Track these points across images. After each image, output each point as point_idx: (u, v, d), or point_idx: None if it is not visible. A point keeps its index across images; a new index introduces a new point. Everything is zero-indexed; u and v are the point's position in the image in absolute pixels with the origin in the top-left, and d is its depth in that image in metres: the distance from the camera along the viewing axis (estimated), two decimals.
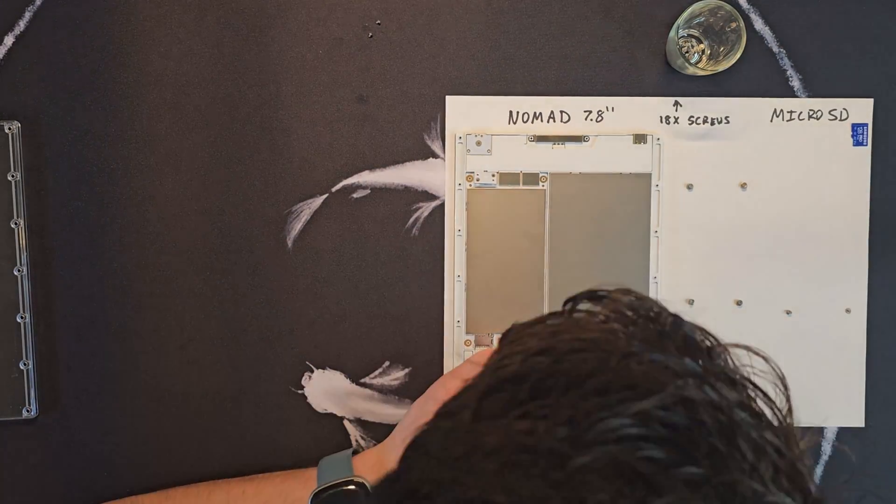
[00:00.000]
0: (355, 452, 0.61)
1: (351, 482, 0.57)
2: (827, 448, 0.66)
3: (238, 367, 0.66)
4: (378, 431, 0.66)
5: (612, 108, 0.65)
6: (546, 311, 0.64)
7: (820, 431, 0.66)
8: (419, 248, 0.65)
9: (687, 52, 0.64)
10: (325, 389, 0.66)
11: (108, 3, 0.65)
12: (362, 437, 0.66)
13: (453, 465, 0.32)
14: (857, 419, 0.66)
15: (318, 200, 0.65)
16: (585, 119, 0.65)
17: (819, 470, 0.65)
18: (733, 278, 0.65)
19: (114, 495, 0.65)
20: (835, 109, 0.65)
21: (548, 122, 0.65)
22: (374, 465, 0.58)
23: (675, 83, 0.65)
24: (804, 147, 0.65)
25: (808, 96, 0.65)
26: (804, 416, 0.64)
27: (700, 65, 0.64)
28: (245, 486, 0.59)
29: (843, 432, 0.66)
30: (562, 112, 0.65)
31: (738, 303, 0.65)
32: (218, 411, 0.66)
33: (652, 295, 0.65)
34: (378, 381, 0.66)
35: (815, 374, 0.66)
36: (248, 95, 0.65)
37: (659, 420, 0.29)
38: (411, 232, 0.65)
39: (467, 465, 0.31)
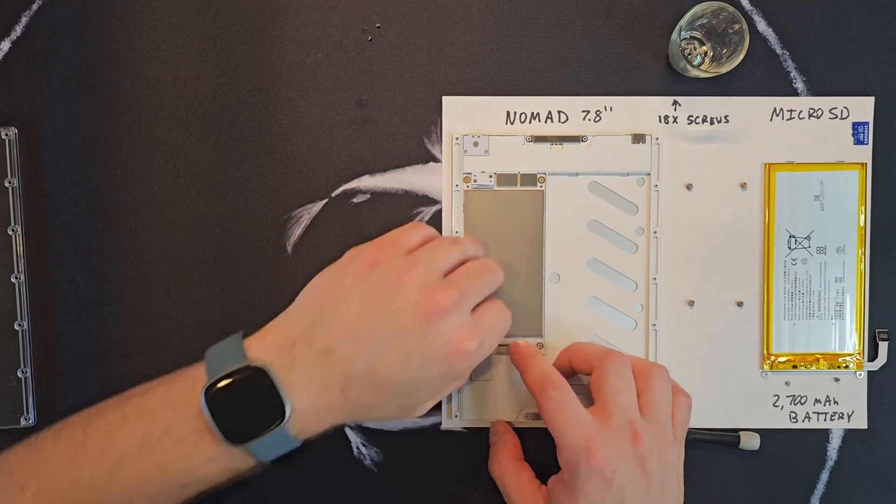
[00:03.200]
0: (246, 336, 0.54)
1: (247, 368, 0.49)
2: (833, 453, 0.66)
3: None
4: (378, 437, 0.65)
5: (611, 108, 0.65)
6: (545, 312, 0.64)
7: (825, 435, 0.66)
8: None
9: (689, 54, 0.64)
10: None
11: (106, 8, 0.64)
12: (363, 444, 0.65)
13: None
14: (860, 421, 0.66)
15: (318, 205, 0.65)
16: (583, 119, 0.65)
17: (825, 475, 0.65)
18: (734, 279, 0.65)
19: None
20: (835, 108, 0.65)
21: (546, 122, 0.65)
22: (272, 344, 0.52)
23: (676, 85, 0.64)
24: (805, 146, 0.65)
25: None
26: (810, 420, 0.64)
27: (703, 67, 0.63)
28: (124, 409, 0.50)
29: (848, 435, 0.66)
30: (560, 112, 0.65)
31: (740, 304, 0.65)
32: None
33: (651, 296, 0.65)
34: None
35: (816, 375, 0.65)
36: (247, 100, 0.65)
37: None
38: None
39: None
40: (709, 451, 0.65)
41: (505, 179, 0.65)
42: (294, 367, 0.50)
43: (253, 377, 0.49)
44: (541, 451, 0.64)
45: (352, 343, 0.51)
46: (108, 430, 0.49)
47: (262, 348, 0.51)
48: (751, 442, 0.64)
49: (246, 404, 0.49)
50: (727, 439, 0.65)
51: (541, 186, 0.65)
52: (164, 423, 0.49)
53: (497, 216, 0.65)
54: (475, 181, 0.65)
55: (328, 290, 0.54)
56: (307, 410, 0.50)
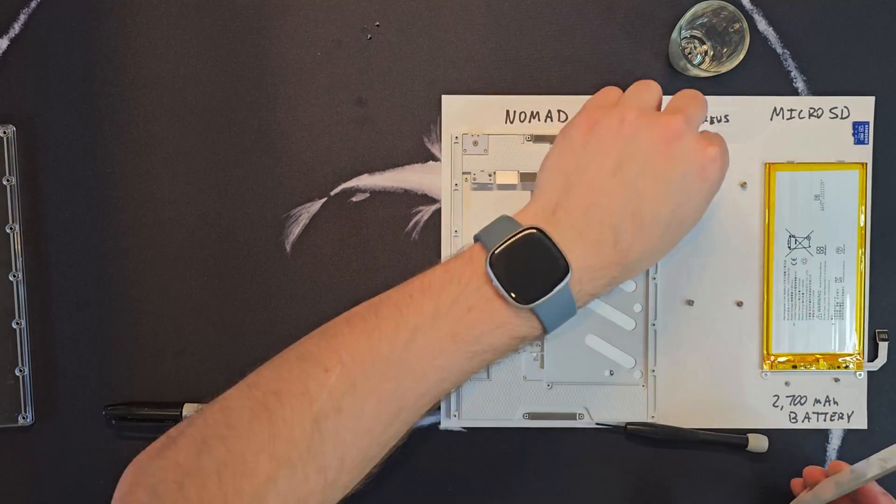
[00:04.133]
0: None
1: (522, 231, 0.50)
2: (833, 454, 0.65)
3: (236, 372, 0.64)
4: None
5: None
6: None
7: (825, 436, 0.66)
8: (419, 252, 0.65)
9: (690, 53, 0.64)
10: None
11: (105, 6, 0.64)
12: None
13: None
14: (860, 421, 0.65)
15: (317, 204, 0.65)
16: None
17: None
18: (734, 279, 0.65)
19: None
20: (835, 108, 0.65)
21: (545, 121, 0.65)
22: (537, 215, 0.52)
23: (676, 84, 0.64)
24: (805, 146, 0.65)
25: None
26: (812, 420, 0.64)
27: (703, 66, 0.63)
28: (408, 290, 0.51)
29: (848, 435, 0.66)
30: (559, 111, 0.65)
31: (739, 304, 0.65)
32: None
33: (651, 296, 0.65)
34: None
35: (816, 376, 0.65)
36: (246, 98, 0.64)
37: None
38: (411, 236, 0.65)
39: None
40: (713, 452, 0.65)
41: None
42: (562, 229, 0.51)
43: (531, 238, 0.50)
44: (538, 453, 0.64)
45: (607, 195, 0.51)
46: (397, 308, 0.50)
47: (528, 219, 0.52)
48: (759, 444, 0.64)
49: (527, 265, 0.50)
50: (735, 441, 0.64)
51: None
52: (451, 295, 0.50)
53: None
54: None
55: (562, 162, 0.53)
56: (584, 269, 0.50)
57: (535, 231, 0.50)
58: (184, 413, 0.64)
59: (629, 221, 0.51)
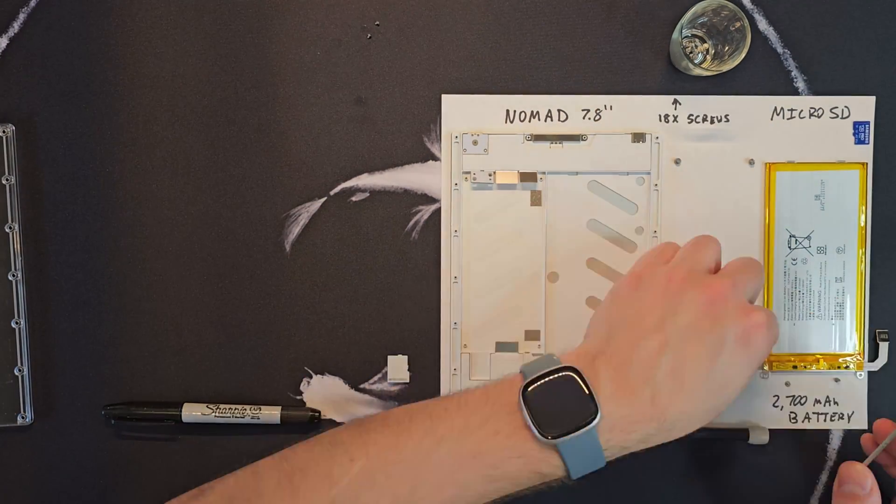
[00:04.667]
0: None
1: (561, 369, 0.51)
2: (833, 454, 0.65)
3: (236, 372, 0.65)
4: None
5: (611, 107, 0.65)
6: (544, 312, 0.64)
7: (825, 436, 0.66)
8: (419, 251, 0.65)
9: (691, 52, 0.64)
10: (324, 395, 0.65)
11: (104, 5, 0.64)
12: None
13: None
14: (860, 422, 0.65)
15: (317, 204, 0.65)
16: (583, 118, 0.65)
17: (825, 476, 0.65)
18: None
19: None
20: (836, 107, 0.65)
21: (545, 120, 0.65)
22: (577, 359, 0.53)
23: (677, 84, 0.64)
24: (805, 145, 0.64)
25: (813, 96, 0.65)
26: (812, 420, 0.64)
27: (704, 65, 0.63)
28: (445, 404, 0.53)
29: (848, 436, 0.65)
30: (559, 111, 0.65)
31: None
32: None
33: None
34: (377, 387, 0.65)
35: (816, 376, 0.65)
36: (246, 98, 0.64)
37: None
38: (411, 235, 0.65)
39: None
40: (714, 446, 0.65)
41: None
42: (599, 376, 0.51)
43: (566, 377, 0.51)
44: None
45: (647, 350, 0.51)
46: (430, 418, 0.52)
47: (569, 360, 0.53)
48: (760, 436, 0.64)
49: (559, 403, 0.51)
50: (736, 435, 0.64)
51: (540, 185, 0.65)
52: (482, 416, 0.51)
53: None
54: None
55: (609, 313, 0.55)
56: (616, 418, 0.51)
57: (571, 371, 0.51)
58: (183, 413, 0.64)
59: (668, 378, 0.51)
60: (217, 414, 0.64)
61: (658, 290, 0.53)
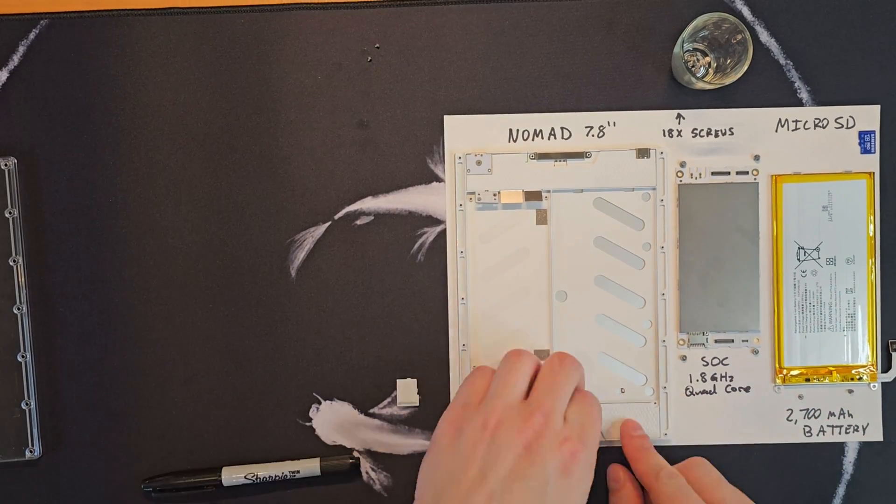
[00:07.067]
0: None
1: None
2: (849, 467, 0.65)
3: (244, 400, 0.65)
4: (388, 462, 0.65)
5: (614, 123, 0.64)
6: (551, 332, 0.63)
7: (840, 448, 0.65)
8: (425, 273, 0.64)
9: (693, 66, 0.63)
10: (334, 421, 0.65)
11: (103, 35, 0.64)
12: (372, 469, 0.65)
13: None
14: (875, 434, 0.65)
15: (321, 228, 0.65)
16: (587, 135, 0.65)
17: (841, 490, 0.64)
18: None
19: None
20: (841, 117, 0.64)
21: (548, 139, 0.65)
22: None
23: (680, 98, 0.64)
24: (811, 156, 0.64)
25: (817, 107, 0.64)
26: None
27: (707, 78, 0.63)
28: None
29: (864, 448, 0.65)
30: (562, 129, 0.65)
31: None
32: (225, 446, 0.65)
33: (660, 313, 0.64)
34: (387, 412, 0.65)
35: (829, 388, 0.65)
36: (247, 124, 0.64)
37: None
38: (416, 258, 0.64)
39: None
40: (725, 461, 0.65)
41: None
42: None
43: None
44: None
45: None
46: None
47: None
48: None
49: None
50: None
51: (545, 204, 0.64)
52: None
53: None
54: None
55: (433, 470, 0.55)
56: None
57: None
58: (223, 477, 0.64)
59: None
60: (258, 475, 0.64)
61: (475, 439, 0.53)
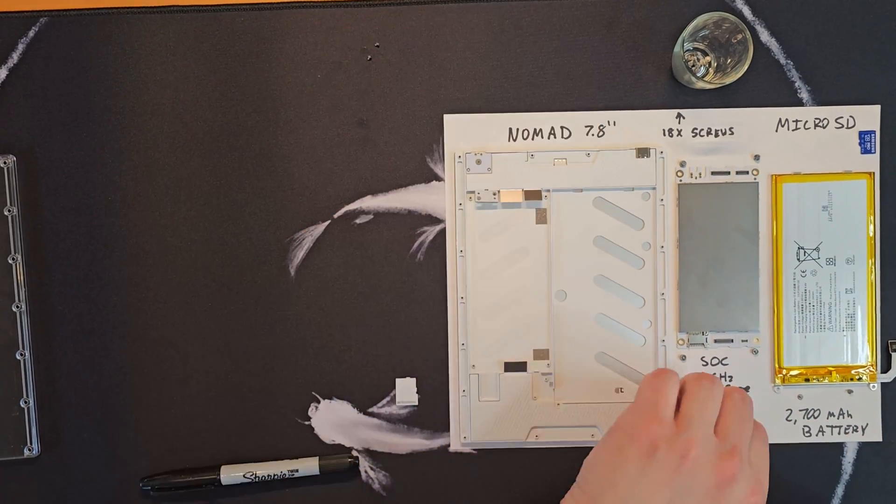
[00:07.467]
0: None
1: None
2: (848, 467, 0.65)
3: (243, 399, 0.65)
4: (387, 462, 0.65)
5: (614, 123, 0.64)
6: (553, 331, 0.63)
7: (840, 449, 0.65)
8: (424, 272, 0.64)
9: (693, 65, 0.63)
10: (333, 420, 0.65)
11: (103, 34, 0.64)
12: (371, 468, 0.65)
13: None
14: (874, 434, 0.65)
15: (321, 227, 0.65)
16: (587, 134, 0.64)
17: (840, 490, 0.64)
18: None
19: None
20: (841, 117, 0.64)
21: (548, 138, 0.65)
22: None
23: (680, 98, 0.64)
24: (811, 156, 0.64)
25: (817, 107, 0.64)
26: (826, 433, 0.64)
27: (707, 78, 0.63)
28: None
29: (863, 448, 0.65)
30: (562, 128, 0.64)
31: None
32: (223, 445, 0.65)
33: (659, 312, 0.64)
34: (386, 410, 0.65)
35: (829, 388, 0.65)
36: (247, 123, 0.64)
37: None
38: (416, 257, 0.64)
39: None
40: None
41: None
42: None
43: None
44: (550, 472, 0.64)
45: None
46: None
47: None
48: None
49: None
50: None
51: (545, 203, 0.64)
52: None
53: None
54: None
55: (614, 476, 0.53)
56: None
57: None
58: (221, 476, 0.64)
59: None
60: (256, 474, 0.64)
61: (672, 467, 0.52)
